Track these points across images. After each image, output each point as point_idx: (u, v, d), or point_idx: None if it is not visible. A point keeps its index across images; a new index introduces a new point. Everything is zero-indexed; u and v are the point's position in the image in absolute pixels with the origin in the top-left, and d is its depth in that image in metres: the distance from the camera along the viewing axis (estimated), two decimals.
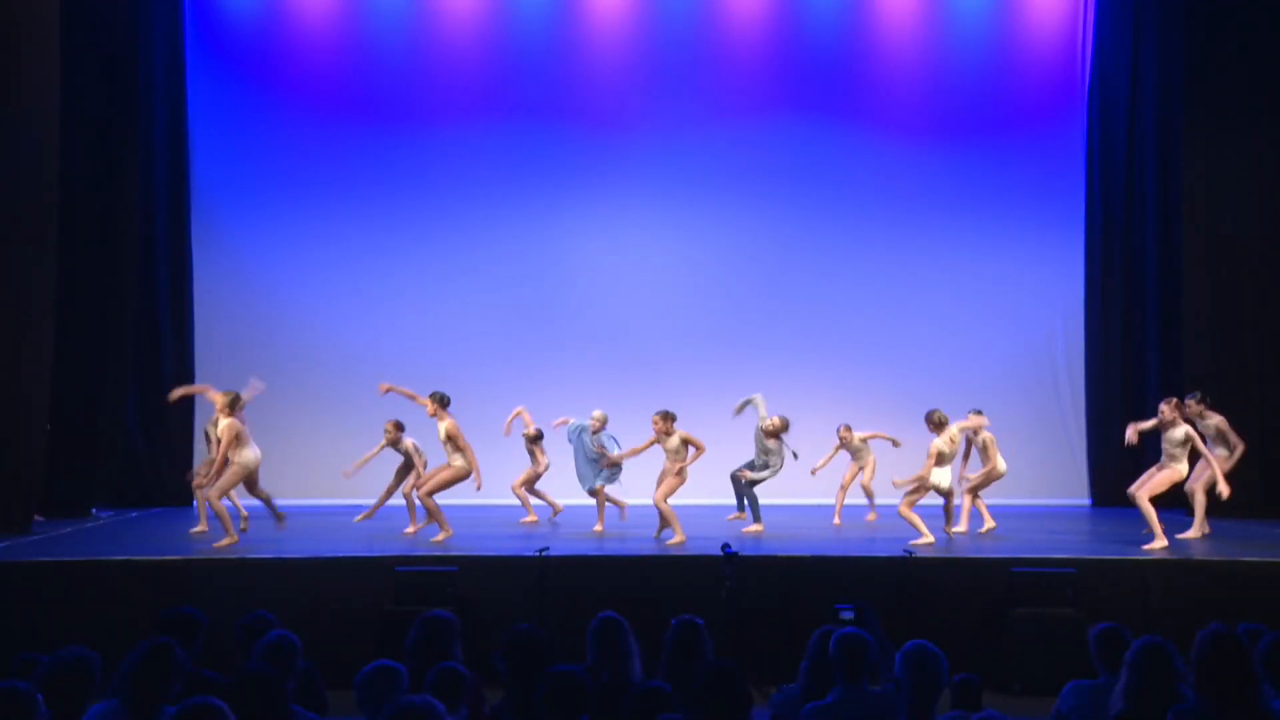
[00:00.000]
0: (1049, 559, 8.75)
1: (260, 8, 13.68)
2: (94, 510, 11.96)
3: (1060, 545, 9.61)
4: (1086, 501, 13.20)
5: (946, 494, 9.88)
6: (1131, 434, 9.89)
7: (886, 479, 10.25)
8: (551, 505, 11.58)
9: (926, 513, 9.83)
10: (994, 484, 10.57)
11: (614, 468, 10.75)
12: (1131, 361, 13.36)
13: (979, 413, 10.52)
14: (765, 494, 10.97)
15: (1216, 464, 9.74)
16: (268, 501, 9.98)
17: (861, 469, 11.50)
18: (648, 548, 9.50)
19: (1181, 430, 9.43)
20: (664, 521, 9.83)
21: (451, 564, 8.53)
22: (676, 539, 9.60)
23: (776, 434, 10.72)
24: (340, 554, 8.95)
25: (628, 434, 11.57)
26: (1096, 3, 13.56)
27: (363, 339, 13.49)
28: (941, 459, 9.65)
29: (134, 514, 12.14)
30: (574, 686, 4.22)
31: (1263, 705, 4.13)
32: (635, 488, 11.10)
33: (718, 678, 4.18)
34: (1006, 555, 8.93)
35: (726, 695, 4.13)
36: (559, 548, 9.13)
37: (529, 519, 11.27)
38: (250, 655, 4.87)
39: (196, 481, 10.42)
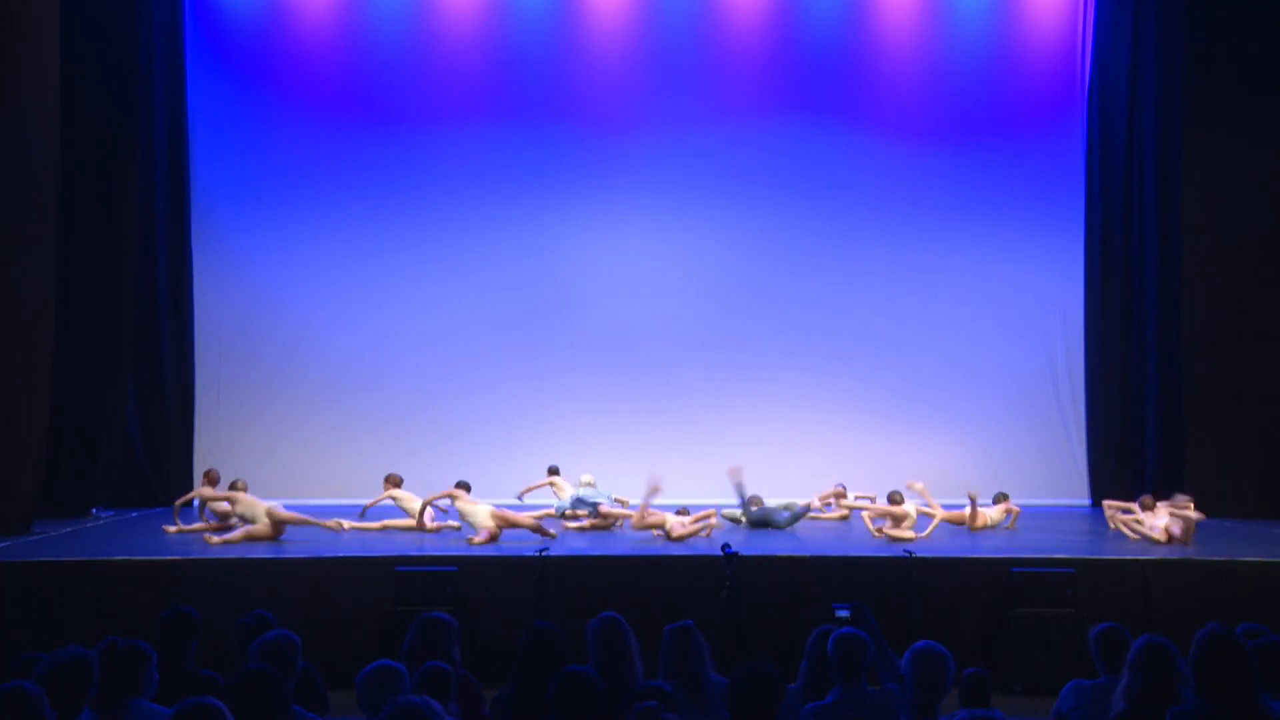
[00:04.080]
0: (1049, 559, 8.75)
1: (260, 8, 13.65)
2: (94, 510, 11.95)
3: (1060, 545, 9.60)
4: (1086, 501, 13.19)
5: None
6: None
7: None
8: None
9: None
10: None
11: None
12: (1131, 361, 13.35)
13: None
14: (764, 491, 10.98)
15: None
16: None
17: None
18: (648, 548, 9.50)
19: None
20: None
21: (451, 564, 8.53)
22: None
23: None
24: (340, 554, 8.95)
25: (625, 435, 11.66)
26: (1096, 3, 13.55)
27: (363, 339, 13.47)
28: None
29: (134, 514, 12.12)
30: (587, 687, 4.22)
31: (1261, 705, 4.12)
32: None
33: (752, 681, 4.19)
34: (1006, 555, 8.94)
35: (758, 699, 4.14)
36: (559, 548, 9.14)
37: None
38: (250, 655, 4.87)
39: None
